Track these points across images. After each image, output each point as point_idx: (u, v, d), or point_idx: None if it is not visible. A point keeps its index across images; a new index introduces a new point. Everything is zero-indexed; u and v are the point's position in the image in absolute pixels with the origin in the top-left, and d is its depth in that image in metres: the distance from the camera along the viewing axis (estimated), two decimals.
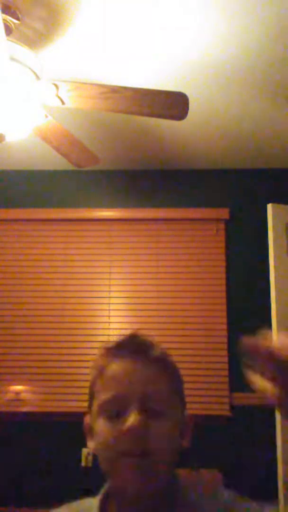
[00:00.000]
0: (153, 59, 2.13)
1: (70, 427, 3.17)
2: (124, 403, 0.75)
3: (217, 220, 3.37)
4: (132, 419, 0.73)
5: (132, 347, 0.80)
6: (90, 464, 3.10)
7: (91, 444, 0.81)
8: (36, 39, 1.99)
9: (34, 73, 1.72)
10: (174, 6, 1.78)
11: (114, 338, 0.84)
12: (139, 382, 0.76)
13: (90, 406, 0.82)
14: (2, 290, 3.35)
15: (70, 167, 3.47)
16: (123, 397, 0.75)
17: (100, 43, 2.02)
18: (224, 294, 3.28)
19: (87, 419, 0.83)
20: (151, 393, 0.76)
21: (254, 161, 3.33)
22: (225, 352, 3.20)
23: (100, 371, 0.80)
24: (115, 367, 0.79)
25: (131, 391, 0.76)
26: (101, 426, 0.76)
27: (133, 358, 0.78)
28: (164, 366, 0.80)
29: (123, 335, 0.83)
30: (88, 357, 3.23)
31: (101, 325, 3.27)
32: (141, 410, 0.74)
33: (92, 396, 0.81)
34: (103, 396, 0.77)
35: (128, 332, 0.84)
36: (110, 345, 0.83)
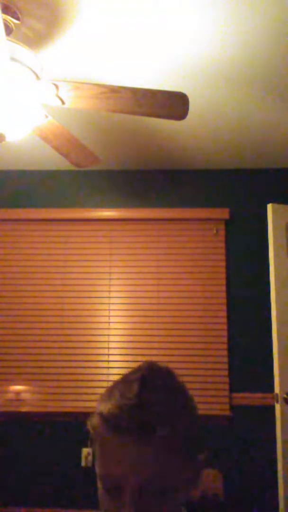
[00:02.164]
0: (153, 59, 2.13)
1: (70, 427, 3.17)
2: (121, 485, 0.68)
3: (217, 220, 3.38)
4: (126, 509, 0.66)
5: (133, 421, 0.68)
6: (90, 464, 3.10)
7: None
8: (36, 39, 1.99)
9: (34, 73, 1.72)
10: (174, 6, 1.78)
11: (116, 401, 0.71)
12: (137, 467, 0.67)
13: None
14: (2, 290, 3.35)
15: (70, 167, 3.48)
16: (119, 479, 0.68)
17: (100, 43, 2.02)
18: (224, 294, 3.28)
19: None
20: (151, 479, 0.67)
21: (254, 161, 3.34)
22: (225, 352, 3.20)
23: (99, 441, 0.71)
24: (113, 443, 0.69)
25: (127, 476, 0.67)
26: (100, 491, 0.72)
27: (132, 436, 0.67)
28: (170, 444, 0.69)
29: (121, 386, 0.73)
30: (88, 357, 3.23)
31: (101, 325, 3.28)
32: (139, 495, 0.67)
33: (93, 449, 0.75)
34: (100, 468, 0.71)
35: (132, 373, 0.74)
36: (107, 413, 0.70)
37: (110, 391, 0.74)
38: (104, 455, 0.70)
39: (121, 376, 0.77)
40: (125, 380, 0.74)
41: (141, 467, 0.67)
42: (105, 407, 0.71)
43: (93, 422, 0.72)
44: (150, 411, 0.68)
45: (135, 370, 0.76)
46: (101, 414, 0.71)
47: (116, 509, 0.68)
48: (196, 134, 2.89)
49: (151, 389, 0.71)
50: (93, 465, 3.09)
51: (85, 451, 3.12)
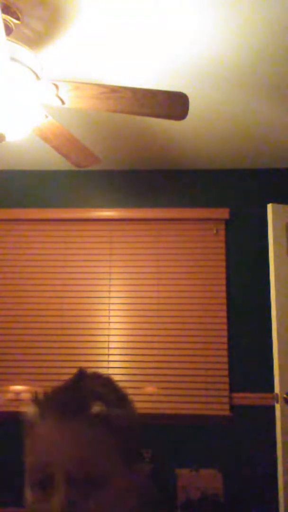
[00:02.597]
0: (153, 59, 2.13)
1: None
2: (50, 474, 0.62)
3: (217, 220, 3.38)
4: (57, 500, 0.60)
5: (63, 402, 0.65)
6: None
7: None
8: (36, 39, 1.99)
9: (34, 73, 1.72)
10: (174, 6, 1.78)
11: (48, 387, 0.69)
12: (66, 449, 0.62)
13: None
14: (2, 290, 3.35)
15: (70, 167, 3.48)
16: (47, 467, 0.62)
17: (100, 43, 2.02)
18: (224, 294, 3.28)
19: None
20: (83, 462, 0.62)
21: (254, 161, 3.33)
22: (225, 352, 3.20)
23: (27, 430, 0.67)
24: (41, 428, 0.64)
25: (56, 461, 0.62)
26: (27, 496, 0.64)
27: (62, 418, 0.64)
28: (103, 424, 0.64)
29: (61, 382, 0.69)
30: (88, 357, 3.23)
31: (101, 325, 3.28)
32: (71, 483, 0.61)
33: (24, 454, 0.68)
34: (27, 463, 0.65)
35: (71, 376, 0.70)
36: (41, 397, 0.67)
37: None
38: (34, 445, 0.65)
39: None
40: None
41: (73, 448, 0.62)
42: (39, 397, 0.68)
43: (26, 412, 0.68)
44: (84, 392, 0.66)
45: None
46: (33, 400, 0.67)
47: (44, 503, 0.61)
48: (196, 134, 2.89)
49: (88, 379, 0.69)
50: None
51: None
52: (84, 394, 0.66)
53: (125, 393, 0.72)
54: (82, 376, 0.70)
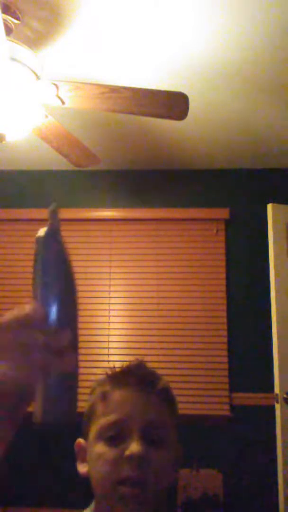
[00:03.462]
0: (153, 59, 2.13)
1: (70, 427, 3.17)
2: (126, 430, 0.74)
3: (217, 220, 3.37)
4: (134, 446, 0.72)
5: (138, 376, 0.80)
6: None
7: (82, 468, 0.80)
8: (36, 39, 1.99)
9: (34, 73, 1.72)
10: (174, 5, 1.78)
11: (117, 366, 0.84)
12: (142, 410, 0.76)
13: (86, 430, 0.81)
14: (1, 290, 3.35)
15: (70, 167, 3.47)
16: (125, 423, 0.75)
17: (100, 43, 2.02)
18: (224, 294, 3.28)
19: (80, 442, 0.82)
20: (154, 422, 0.76)
21: (254, 161, 3.33)
22: (225, 352, 3.20)
23: (103, 397, 0.80)
24: (120, 394, 0.78)
25: (134, 418, 0.75)
26: (99, 450, 0.75)
27: (138, 387, 0.78)
28: (166, 398, 0.81)
29: (127, 363, 0.84)
30: (88, 357, 3.23)
31: (101, 325, 3.27)
32: (143, 438, 0.73)
33: (89, 420, 0.80)
34: (104, 420, 0.76)
35: (133, 361, 0.85)
36: (114, 372, 0.83)
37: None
38: (108, 407, 0.77)
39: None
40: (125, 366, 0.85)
41: (146, 410, 0.77)
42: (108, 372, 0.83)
43: (98, 380, 0.82)
44: (149, 370, 0.83)
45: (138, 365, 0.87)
46: (107, 374, 0.82)
47: (119, 458, 0.72)
48: (196, 134, 2.89)
49: (146, 364, 0.85)
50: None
51: None
52: (153, 373, 0.83)
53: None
54: (142, 362, 0.85)
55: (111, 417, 0.76)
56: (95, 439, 0.77)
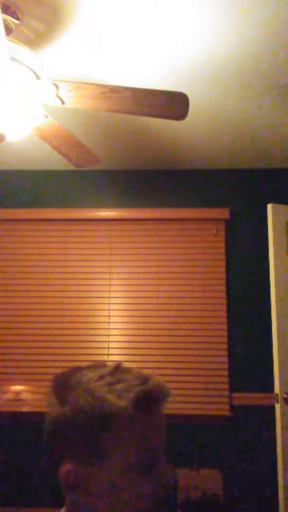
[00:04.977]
0: (153, 59, 2.13)
1: None
2: (157, 456, 0.73)
3: (217, 220, 3.38)
4: (169, 471, 0.74)
5: (155, 397, 0.75)
6: None
7: (87, 503, 0.71)
8: (36, 39, 1.99)
9: (34, 73, 1.72)
10: (174, 6, 1.78)
11: (135, 384, 0.75)
12: (163, 433, 0.76)
13: (92, 459, 0.71)
14: (2, 290, 3.35)
15: (70, 167, 3.48)
16: (157, 449, 0.73)
17: (100, 43, 2.02)
18: (224, 294, 3.28)
19: (73, 470, 0.71)
20: (165, 443, 0.77)
21: (254, 161, 3.34)
22: (225, 352, 3.20)
23: (129, 426, 0.71)
24: (149, 421, 0.73)
25: (162, 443, 0.75)
26: (135, 483, 0.70)
27: (157, 410, 0.75)
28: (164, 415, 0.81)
29: (144, 376, 0.77)
30: (88, 357, 3.23)
31: (101, 325, 3.28)
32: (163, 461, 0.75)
33: (102, 447, 0.70)
34: (137, 452, 0.71)
35: (148, 376, 0.78)
36: (140, 392, 0.73)
37: (104, 384, 0.74)
38: (141, 437, 0.71)
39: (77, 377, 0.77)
40: (108, 372, 0.76)
41: (163, 433, 0.75)
42: (121, 394, 0.72)
43: (121, 408, 0.71)
44: (163, 386, 0.76)
45: (101, 364, 0.79)
46: (137, 397, 0.72)
47: (156, 486, 0.72)
48: (196, 134, 2.89)
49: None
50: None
51: None
52: (164, 387, 0.76)
53: None
54: (148, 375, 0.78)
55: (143, 449, 0.71)
56: (124, 470, 0.70)
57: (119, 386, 0.73)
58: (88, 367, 0.78)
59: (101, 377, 0.74)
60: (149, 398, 0.72)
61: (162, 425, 0.75)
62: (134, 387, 0.73)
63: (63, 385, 0.75)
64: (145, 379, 0.75)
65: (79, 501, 0.72)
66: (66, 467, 0.71)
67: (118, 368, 0.77)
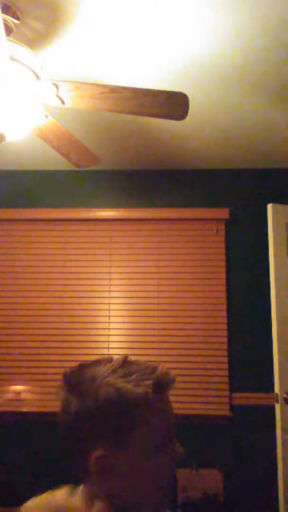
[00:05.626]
0: (153, 59, 2.13)
1: None
2: (172, 433, 0.82)
3: (217, 220, 3.38)
4: (178, 445, 0.82)
5: (168, 380, 0.82)
6: None
7: (116, 484, 0.77)
8: (36, 39, 1.99)
9: (34, 73, 1.72)
10: (174, 6, 1.78)
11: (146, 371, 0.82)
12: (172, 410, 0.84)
13: (120, 443, 0.77)
14: (1, 290, 3.35)
15: (70, 167, 3.48)
16: (171, 428, 0.81)
17: (100, 43, 2.02)
18: (224, 294, 3.28)
19: (103, 455, 0.77)
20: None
21: (254, 161, 3.34)
22: (225, 352, 3.20)
23: (147, 402, 0.78)
24: (164, 397, 0.81)
25: (173, 422, 0.83)
26: (156, 460, 0.78)
27: (169, 391, 0.83)
28: None
29: (151, 365, 0.83)
30: (88, 357, 3.23)
31: (101, 325, 3.28)
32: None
33: (128, 431, 0.77)
34: (160, 432, 0.79)
35: (156, 363, 0.85)
36: (153, 380, 0.80)
37: (121, 373, 0.80)
38: (160, 418, 0.79)
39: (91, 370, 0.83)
40: (118, 365, 0.82)
41: (173, 411, 0.84)
42: (138, 383, 0.78)
43: (141, 395, 0.77)
44: (165, 374, 0.82)
45: (108, 359, 0.85)
46: (152, 384, 0.79)
47: (173, 459, 0.81)
48: (196, 134, 2.89)
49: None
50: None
51: None
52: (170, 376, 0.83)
53: None
54: (155, 365, 0.85)
55: (165, 428, 0.80)
56: (148, 451, 0.78)
57: (133, 376, 0.79)
58: (95, 363, 0.84)
59: (114, 371, 0.80)
60: (162, 384, 0.80)
61: (171, 406, 0.82)
62: (147, 375, 0.79)
63: (77, 381, 0.80)
64: (154, 368, 0.81)
65: (112, 485, 0.77)
66: (97, 453, 0.77)
67: (125, 360, 0.83)
